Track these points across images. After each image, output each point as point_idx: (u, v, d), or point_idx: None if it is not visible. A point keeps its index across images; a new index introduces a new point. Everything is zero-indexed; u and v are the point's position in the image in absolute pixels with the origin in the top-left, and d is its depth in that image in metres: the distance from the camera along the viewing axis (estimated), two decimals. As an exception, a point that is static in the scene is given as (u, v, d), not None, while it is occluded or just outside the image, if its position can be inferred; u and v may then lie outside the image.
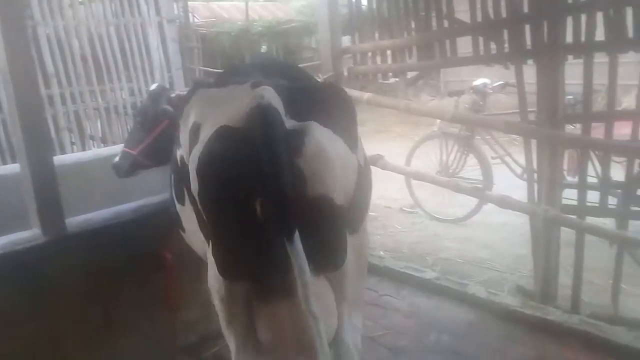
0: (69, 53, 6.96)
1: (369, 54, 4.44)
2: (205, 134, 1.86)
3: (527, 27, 3.43)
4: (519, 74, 3.57)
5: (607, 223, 3.93)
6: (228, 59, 8.36)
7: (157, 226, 3.22)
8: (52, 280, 2.83)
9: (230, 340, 2.04)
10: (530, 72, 3.55)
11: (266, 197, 1.74)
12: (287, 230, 1.72)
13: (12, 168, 4.41)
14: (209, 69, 9.30)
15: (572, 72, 3.50)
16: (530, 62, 3.48)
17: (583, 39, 3.25)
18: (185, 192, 2.17)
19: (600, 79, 3.38)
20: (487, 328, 3.44)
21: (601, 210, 3.59)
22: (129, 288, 3.16)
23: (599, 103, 5.36)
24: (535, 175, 3.72)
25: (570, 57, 3.36)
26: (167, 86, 7.12)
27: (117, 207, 3.22)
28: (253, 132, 1.73)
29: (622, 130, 3.81)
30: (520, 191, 3.93)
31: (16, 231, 2.89)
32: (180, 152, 2.19)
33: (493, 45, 3.62)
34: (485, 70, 4.88)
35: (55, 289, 2.84)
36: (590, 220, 3.64)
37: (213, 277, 1.98)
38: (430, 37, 3.98)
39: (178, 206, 2.40)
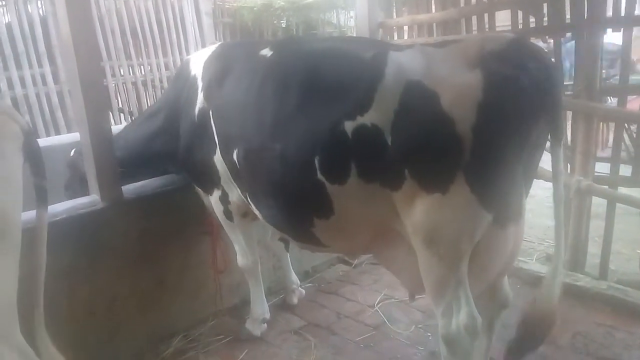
0: (108, 27, 6.97)
1: (405, 27, 4.47)
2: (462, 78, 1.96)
3: (567, 1, 3.45)
4: (557, 47, 3.61)
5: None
6: (249, 34, 8.26)
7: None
8: (109, 243, 3.02)
9: (453, 269, 2.13)
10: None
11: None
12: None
13: (59, 139, 4.58)
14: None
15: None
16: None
17: (623, 13, 3.28)
18: (355, 167, 2.17)
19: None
20: (517, 294, 3.44)
21: (634, 181, 3.59)
22: (178, 251, 3.34)
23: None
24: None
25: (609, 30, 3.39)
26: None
27: (168, 176, 3.36)
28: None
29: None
30: (546, 165, 3.92)
31: (65, 199, 3.01)
32: (355, 123, 2.13)
33: (532, 19, 3.66)
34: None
35: (112, 250, 3.02)
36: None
37: (467, 216, 2.06)
38: (469, 10, 4.00)
39: (332, 188, 2.26)
